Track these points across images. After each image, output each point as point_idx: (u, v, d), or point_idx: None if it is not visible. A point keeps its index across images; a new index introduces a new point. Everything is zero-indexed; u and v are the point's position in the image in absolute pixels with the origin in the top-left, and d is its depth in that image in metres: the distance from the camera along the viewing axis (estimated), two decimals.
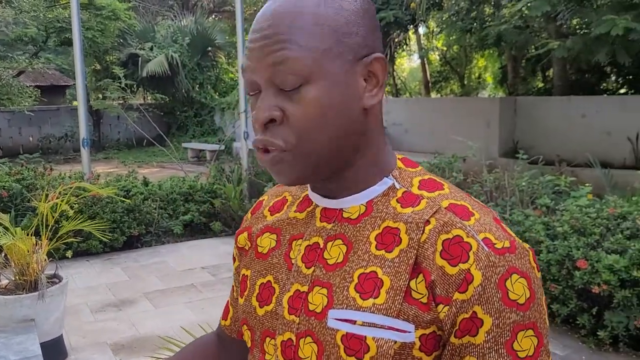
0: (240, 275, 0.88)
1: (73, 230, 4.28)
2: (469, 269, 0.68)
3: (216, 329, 1.06)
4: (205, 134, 16.60)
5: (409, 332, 0.68)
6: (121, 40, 16.05)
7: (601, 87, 11.86)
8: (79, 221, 4.28)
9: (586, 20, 6.70)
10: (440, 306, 0.68)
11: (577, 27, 8.86)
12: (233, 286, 0.99)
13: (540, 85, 13.32)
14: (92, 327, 4.06)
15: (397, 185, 0.77)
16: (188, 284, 4.95)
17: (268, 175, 7.05)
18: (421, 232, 0.71)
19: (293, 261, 0.79)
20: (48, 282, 3.55)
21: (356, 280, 0.72)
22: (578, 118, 9.17)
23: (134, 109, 10.08)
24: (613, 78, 12.12)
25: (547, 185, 4.92)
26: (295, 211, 0.84)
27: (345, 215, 0.77)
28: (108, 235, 5.02)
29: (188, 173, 7.83)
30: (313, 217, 0.80)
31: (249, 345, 0.85)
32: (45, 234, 3.68)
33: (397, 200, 0.76)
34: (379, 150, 0.78)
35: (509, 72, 12.93)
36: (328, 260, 0.76)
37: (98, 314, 4.31)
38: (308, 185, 0.85)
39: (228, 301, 1.01)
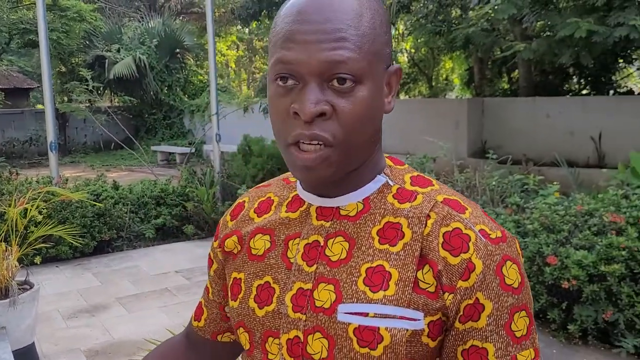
0: (231, 279, 0.88)
1: (42, 235, 4.20)
2: (470, 259, 0.72)
3: (185, 329, 1.05)
4: (174, 137, 16.41)
5: (419, 320, 0.72)
6: (87, 42, 15.77)
7: (564, 88, 12.17)
8: (50, 226, 4.20)
9: (550, 23, 6.88)
10: (446, 294, 0.73)
11: (542, 29, 9.08)
12: (208, 288, 0.98)
13: (506, 86, 13.59)
14: (65, 334, 3.99)
15: (391, 182, 0.81)
16: (162, 288, 4.90)
17: (241, 178, 7.03)
18: (424, 225, 0.75)
19: (292, 260, 0.80)
20: (19, 288, 3.48)
21: (364, 275, 0.75)
22: (543, 118, 9.39)
23: (102, 112, 9.92)
24: (575, 79, 12.45)
25: (516, 184, 5.05)
26: (286, 211, 0.85)
27: (342, 213, 0.79)
28: (80, 240, 4.93)
29: (158, 176, 7.74)
30: (308, 216, 0.82)
31: (246, 347, 0.85)
32: (15, 240, 3.61)
33: (393, 196, 0.79)
34: (378, 151, 0.82)
35: (475, 74, 13.15)
36: (331, 257, 0.78)
37: (70, 320, 4.24)
38: (297, 185, 0.86)
39: (201, 302, 1.00)
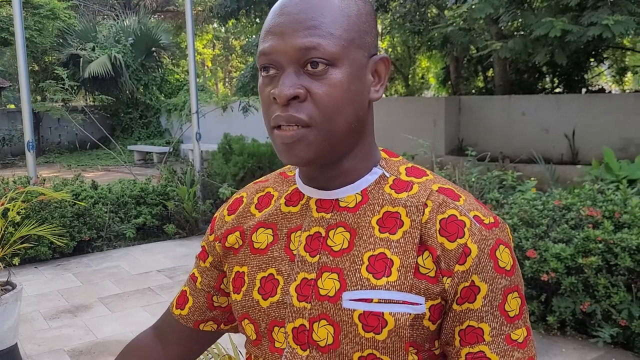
0: (233, 273, 0.90)
1: (25, 236, 4.14)
2: (466, 243, 0.76)
3: (155, 323, 1.05)
4: (151, 136, 16.26)
5: (421, 304, 0.76)
6: (61, 40, 15.51)
7: (538, 87, 12.40)
8: (30, 227, 4.15)
9: (525, 22, 7.01)
10: (445, 278, 0.77)
11: (517, 29, 9.25)
12: (195, 277, 0.98)
13: (481, 85, 13.78)
14: (47, 335, 3.95)
15: (387, 174, 0.84)
16: (144, 288, 4.88)
17: (222, 176, 7.01)
18: (421, 214, 0.79)
19: (295, 252, 0.83)
20: (1, 289, 3.43)
21: (367, 262, 0.78)
22: (518, 116, 9.56)
23: (78, 111, 9.78)
24: (549, 78, 12.69)
25: (494, 180, 5.14)
26: (286, 205, 0.87)
27: (342, 204, 0.83)
28: (63, 240, 4.88)
29: (136, 176, 7.68)
30: (308, 209, 0.85)
31: (253, 337, 0.87)
32: None
33: (390, 187, 0.83)
34: (370, 143, 0.85)
35: (451, 73, 13.31)
36: (333, 247, 0.81)
37: (52, 320, 4.20)
38: (296, 180, 0.89)
39: (185, 291, 1.00)
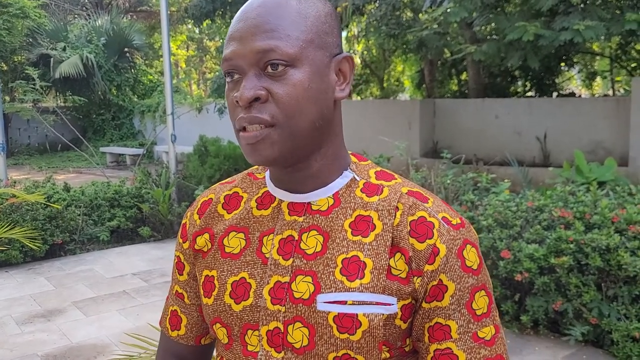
0: (202, 277, 0.89)
1: None
2: (435, 244, 0.79)
3: (159, 352, 1.01)
4: (124, 138, 16.05)
5: (393, 304, 0.78)
6: (30, 40, 15.20)
7: (510, 90, 12.62)
8: (2, 230, 4.07)
9: (498, 26, 7.14)
10: (415, 278, 0.79)
11: (490, 33, 9.40)
12: (181, 294, 0.96)
13: (455, 88, 13.97)
14: (20, 340, 3.87)
15: (358, 177, 0.86)
16: (119, 291, 4.82)
17: (197, 178, 6.97)
18: (393, 217, 0.81)
19: (267, 255, 0.83)
20: None
21: (340, 265, 0.80)
22: (492, 119, 9.72)
23: (50, 112, 9.60)
24: (521, 82, 12.93)
25: (469, 182, 5.22)
26: (258, 208, 0.88)
27: (314, 207, 0.84)
28: (37, 243, 4.79)
29: (109, 178, 7.58)
30: (280, 212, 0.85)
31: (224, 341, 0.87)
32: None
33: (361, 190, 0.85)
34: (340, 145, 0.87)
35: (425, 76, 13.45)
36: (306, 251, 0.82)
37: (25, 325, 4.12)
38: (267, 182, 0.89)
39: (175, 311, 0.98)
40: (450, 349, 0.79)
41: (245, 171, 0.96)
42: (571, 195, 4.24)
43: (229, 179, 0.97)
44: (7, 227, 4.81)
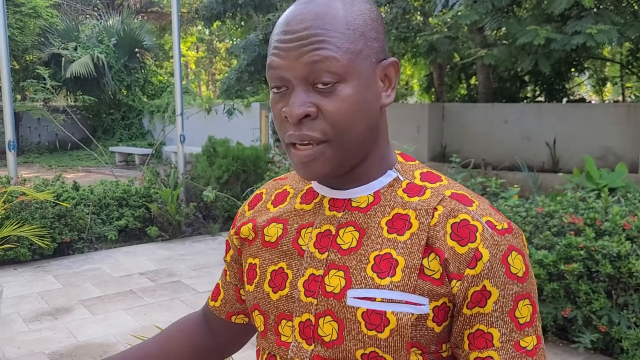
0: (247, 264, 0.93)
1: (6, 236, 4.08)
2: (477, 248, 0.77)
3: (202, 308, 1.10)
4: (133, 138, 16.11)
5: (424, 305, 0.77)
6: (42, 39, 15.31)
7: (520, 95, 12.56)
8: (12, 227, 4.08)
9: (509, 31, 7.11)
10: (454, 281, 0.77)
11: (501, 37, 9.37)
12: (226, 270, 1.04)
13: (464, 92, 13.92)
14: (27, 337, 3.88)
15: (401, 177, 0.86)
16: (126, 290, 4.83)
17: (206, 179, 6.98)
18: (431, 217, 0.80)
19: (304, 247, 0.85)
20: None
21: (372, 262, 0.79)
22: (501, 124, 9.68)
23: (60, 111, 9.66)
24: (530, 87, 12.87)
25: (477, 187, 5.20)
26: (301, 203, 0.90)
27: (354, 204, 0.84)
28: (45, 241, 4.81)
29: (118, 177, 7.60)
30: (321, 207, 0.86)
31: (261, 329, 0.89)
32: None
33: (403, 190, 0.84)
34: (386, 146, 0.86)
35: (434, 80, 13.42)
36: (342, 246, 0.82)
37: (32, 323, 4.13)
38: None
39: (218, 284, 1.06)
40: (492, 357, 0.77)
41: None
42: (582, 201, 4.20)
43: (282, 176, 1.00)
44: (16, 224, 4.83)
